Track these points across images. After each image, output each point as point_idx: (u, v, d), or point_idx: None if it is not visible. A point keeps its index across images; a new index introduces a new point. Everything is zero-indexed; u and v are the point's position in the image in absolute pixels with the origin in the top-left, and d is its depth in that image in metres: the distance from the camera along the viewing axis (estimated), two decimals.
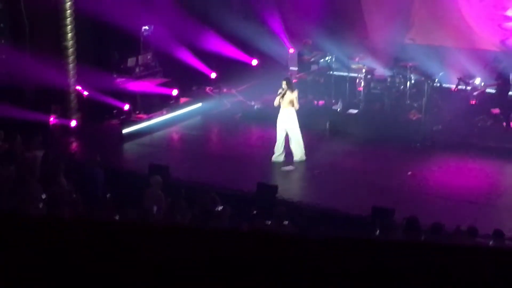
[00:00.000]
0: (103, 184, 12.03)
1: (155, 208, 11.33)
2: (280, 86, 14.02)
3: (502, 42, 16.93)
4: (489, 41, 16.87)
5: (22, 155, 12.85)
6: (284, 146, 14.05)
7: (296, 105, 13.86)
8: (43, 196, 10.93)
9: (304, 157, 14.18)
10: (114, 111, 16.47)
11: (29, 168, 12.22)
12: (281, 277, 3.52)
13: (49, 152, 13.21)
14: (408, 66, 16.39)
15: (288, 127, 13.83)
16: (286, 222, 10.86)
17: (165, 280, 3.41)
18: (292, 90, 13.89)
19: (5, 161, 12.50)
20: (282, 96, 13.75)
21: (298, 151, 14.06)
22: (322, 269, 3.53)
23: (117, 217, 10.50)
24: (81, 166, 13.24)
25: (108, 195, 11.72)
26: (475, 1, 16.97)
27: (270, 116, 15.47)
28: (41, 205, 10.82)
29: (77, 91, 15.77)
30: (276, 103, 13.83)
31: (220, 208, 11.19)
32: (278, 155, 13.96)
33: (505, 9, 16.85)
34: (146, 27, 17.32)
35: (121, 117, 16.34)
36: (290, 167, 13.85)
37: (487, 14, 16.89)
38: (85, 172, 12.52)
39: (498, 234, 9.97)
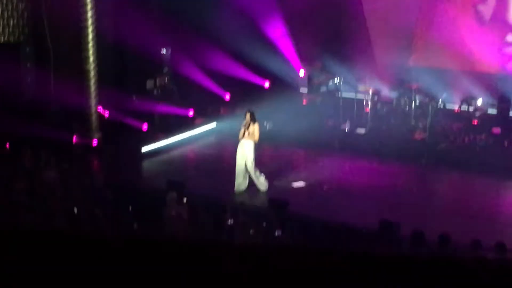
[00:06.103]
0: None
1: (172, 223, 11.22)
2: (253, 118, 13.54)
3: (502, 66, 17.34)
4: (489, 65, 17.27)
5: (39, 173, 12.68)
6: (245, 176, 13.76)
7: (256, 137, 13.56)
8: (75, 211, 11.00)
9: (242, 188, 13.55)
10: (134, 131, 16.27)
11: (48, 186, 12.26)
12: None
13: (67, 172, 13.10)
14: (412, 88, 16.61)
15: (246, 159, 13.65)
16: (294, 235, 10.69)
17: None
18: (254, 123, 13.63)
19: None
20: (247, 128, 13.54)
21: (243, 181, 13.67)
22: (326, 279, 3.82)
23: (135, 229, 10.46)
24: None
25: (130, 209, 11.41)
26: (475, 26, 17.43)
27: (281, 136, 15.87)
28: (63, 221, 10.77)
29: (98, 111, 15.98)
30: (240, 136, 13.55)
31: (231, 221, 11.10)
32: (239, 183, 13.70)
33: (505, 34, 17.35)
34: (164, 49, 17.41)
35: (140, 137, 16.18)
36: (300, 183, 13.83)
37: (487, 39, 17.33)
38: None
39: (500, 247, 10.02)
